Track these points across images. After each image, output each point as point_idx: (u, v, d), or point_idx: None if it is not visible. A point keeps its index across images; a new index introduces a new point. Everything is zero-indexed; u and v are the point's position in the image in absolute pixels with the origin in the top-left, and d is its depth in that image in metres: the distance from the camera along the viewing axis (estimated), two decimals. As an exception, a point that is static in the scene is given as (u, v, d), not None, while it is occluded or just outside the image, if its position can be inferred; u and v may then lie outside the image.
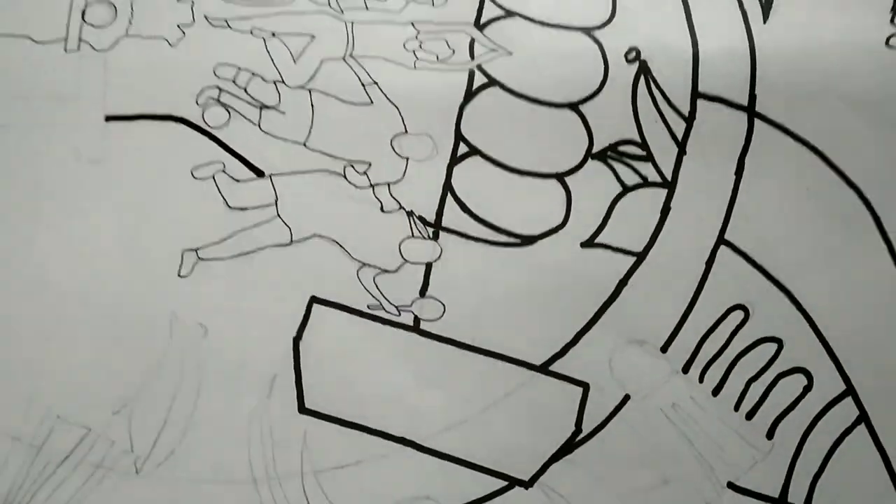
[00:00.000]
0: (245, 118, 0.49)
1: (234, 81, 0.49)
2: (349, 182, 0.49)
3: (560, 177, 0.50)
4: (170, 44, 0.49)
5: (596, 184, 0.50)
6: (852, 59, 0.50)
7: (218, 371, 0.47)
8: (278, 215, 0.49)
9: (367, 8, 0.50)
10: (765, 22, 0.51)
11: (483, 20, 0.50)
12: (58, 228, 0.48)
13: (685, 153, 0.50)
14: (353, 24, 0.50)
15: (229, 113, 0.49)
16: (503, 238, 0.50)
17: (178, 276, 0.47)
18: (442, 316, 0.50)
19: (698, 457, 0.49)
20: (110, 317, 0.46)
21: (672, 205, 0.50)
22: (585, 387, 0.50)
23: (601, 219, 0.50)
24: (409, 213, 0.50)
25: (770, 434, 0.50)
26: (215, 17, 0.50)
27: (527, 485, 0.49)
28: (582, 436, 0.50)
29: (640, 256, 0.50)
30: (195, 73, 0.49)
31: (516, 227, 0.50)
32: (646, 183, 0.50)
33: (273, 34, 0.50)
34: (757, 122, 0.50)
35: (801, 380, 0.50)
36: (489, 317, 0.50)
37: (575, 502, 0.50)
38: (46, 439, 0.46)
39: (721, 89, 0.50)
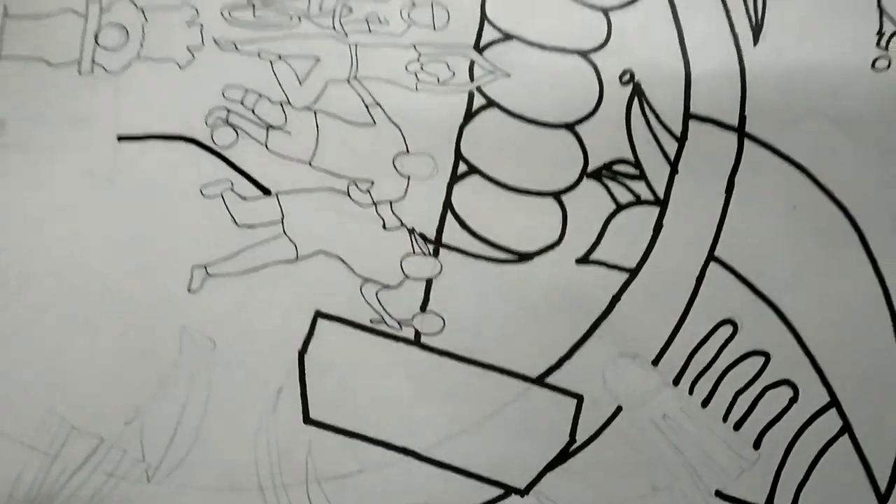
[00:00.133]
0: (252, 138, 0.50)
1: (241, 102, 0.50)
2: (353, 200, 0.50)
3: (556, 195, 0.50)
4: (180, 66, 0.50)
5: (591, 202, 0.50)
6: (839, 82, 0.50)
7: (226, 383, 0.47)
8: (284, 232, 0.49)
9: (370, 31, 0.50)
10: (755, 45, 0.51)
11: (482, 43, 0.51)
12: (71, 245, 0.49)
13: (677, 172, 0.50)
14: (356, 46, 0.50)
15: (237, 133, 0.49)
16: (501, 255, 0.50)
17: (188, 291, 0.47)
18: (442, 330, 0.49)
19: (688, 465, 0.49)
20: (122, 331, 0.47)
21: (664, 222, 0.50)
22: (579, 398, 0.49)
23: (596, 236, 0.50)
24: (411, 231, 0.49)
25: (757, 444, 0.50)
26: (224, 41, 0.50)
27: (522, 493, 0.49)
28: (576, 445, 0.49)
29: (633, 272, 0.50)
30: (204, 95, 0.50)
31: (514, 244, 0.50)
32: (639, 201, 0.50)
33: (279, 57, 0.50)
34: (746, 142, 0.50)
35: (787, 392, 0.50)
36: (487, 331, 0.50)
37: None
38: (62, 448, 0.46)
39: (712, 110, 0.50)
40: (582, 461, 0.49)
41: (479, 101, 0.50)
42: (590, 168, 0.50)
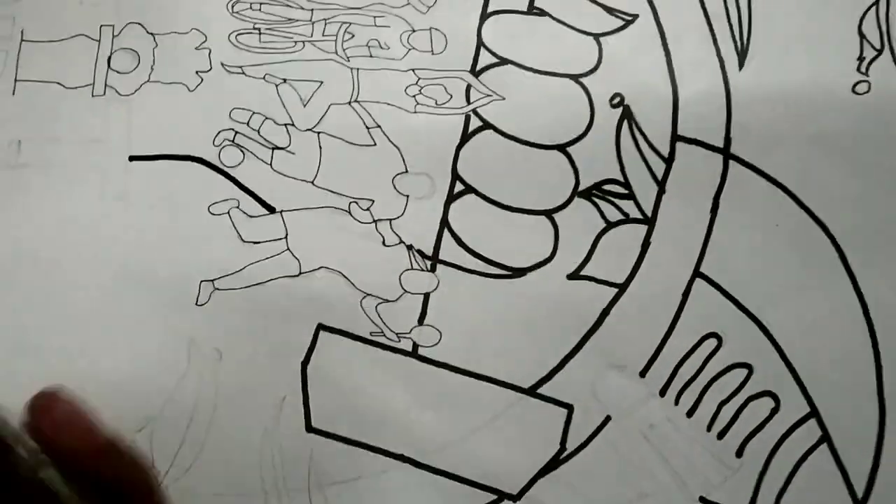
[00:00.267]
0: (258, 158, 0.50)
1: (248, 124, 0.50)
2: (354, 218, 0.50)
3: (548, 213, 0.51)
4: (189, 89, 0.51)
5: (582, 220, 0.51)
6: (821, 105, 0.51)
7: (232, 393, 0.47)
8: (288, 249, 0.50)
9: (371, 56, 0.51)
10: (740, 69, 0.52)
11: (478, 67, 0.52)
12: (85, 260, 0.49)
13: (664, 192, 0.51)
14: (358, 71, 0.51)
15: (243, 153, 0.50)
16: (495, 270, 0.51)
17: (196, 304, 0.48)
18: (438, 342, 0.50)
19: (673, 473, 0.50)
20: (133, 342, 0.47)
21: (652, 240, 0.51)
22: (570, 408, 0.50)
23: (586, 252, 0.51)
24: (409, 247, 0.50)
25: (739, 452, 0.50)
26: (231, 65, 0.51)
27: (515, 498, 0.49)
28: (566, 453, 0.50)
29: (622, 288, 0.51)
30: (212, 117, 0.51)
31: (508, 260, 0.51)
32: (628, 219, 0.51)
33: (284, 80, 0.51)
34: (731, 163, 0.51)
35: (768, 403, 0.50)
36: (482, 343, 0.50)
37: None
38: (76, 455, 0.47)
39: (698, 132, 0.51)
40: (572, 468, 0.50)
41: (475, 122, 0.51)
42: (581, 187, 0.51)
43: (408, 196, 0.51)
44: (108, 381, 0.47)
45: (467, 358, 0.50)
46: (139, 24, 0.51)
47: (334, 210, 0.50)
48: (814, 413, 0.50)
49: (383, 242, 0.50)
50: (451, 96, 0.51)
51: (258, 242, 0.50)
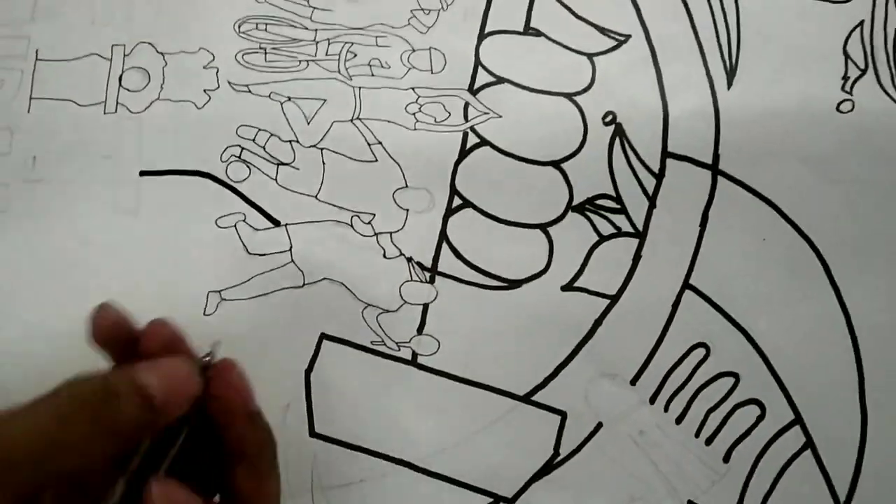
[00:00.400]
0: (264, 173, 0.51)
1: (254, 140, 0.51)
2: (355, 231, 0.51)
3: (543, 227, 0.52)
4: (197, 107, 0.51)
5: (575, 233, 0.51)
6: (807, 123, 0.52)
7: None
8: (292, 261, 0.50)
9: (372, 75, 0.52)
10: (728, 88, 0.52)
11: (476, 86, 0.52)
12: (96, 272, 0.50)
13: (655, 206, 0.52)
14: (360, 89, 0.52)
15: (250, 169, 0.51)
16: (492, 282, 0.51)
17: (204, 314, 0.49)
18: (437, 351, 0.51)
19: (663, 477, 0.50)
20: None
21: (643, 253, 0.52)
22: (563, 415, 0.51)
23: (579, 265, 0.51)
24: (409, 259, 0.51)
25: (727, 458, 0.51)
26: (238, 83, 0.52)
27: (510, 502, 0.50)
28: (560, 458, 0.51)
29: (614, 299, 0.51)
30: (220, 133, 0.51)
31: (504, 272, 0.51)
32: (620, 233, 0.52)
33: (289, 98, 0.52)
34: (720, 178, 0.52)
35: (754, 410, 0.51)
36: (479, 352, 0.51)
37: None
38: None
39: (688, 149, 0.52)
40: (565, 473, 0.51)
41: (472, 139, 0.52)
42: (574, 202, 0.52)
43: (408, 210, 0.51)
44: None
45: (465, 366, 0.51)
46: (149, 43, 0.52)
47: (337, 223, 0.51)
48: (798, 420, 0.51)
49: (384, 255, 0.51)
50: (450, 114, 0.52)
51: (264, 254, 0.51)
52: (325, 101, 0.52)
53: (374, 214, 0.51)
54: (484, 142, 0.52)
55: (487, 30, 0.53)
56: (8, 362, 0.49)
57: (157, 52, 0.52)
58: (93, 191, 0.51)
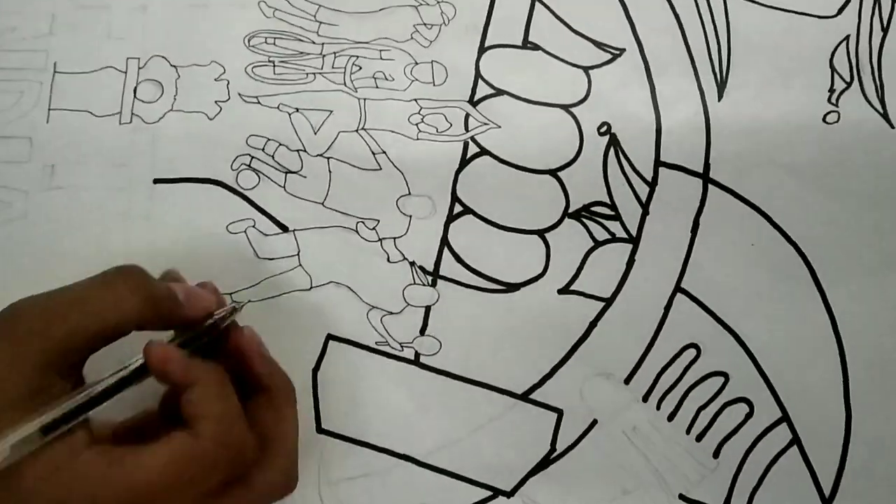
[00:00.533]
0: (272, 181, 0.52)
1: (263, 150, 0.52)
2: (360, 236, 0.52)
3: (541, 233, 0.53)
4: (209, 117, 0.52)
5: (571, 239, 0.53)
6: (794, 133, 0.54)
7: None
8: (300, 265, 0.51)
9: (377, 87, 0.53)
10: (719, 100, 0.54)
11: (476, 98, 0.54)
12: None
13: (648, 213, 0.53)
14: (365, 100, 0.53)
15: (259, 177, 0.52)
16: (492, 285, 0.52)
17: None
18: (439, 351, 0.52)
19: (655, 472, 0.52)
20: None
21: (636, 258, 0.53)
22: (559, 412, 0.52)
23: (575, 269, 0.53)
24: (412, 264, 0.52)
25: (716, 454, 0.52)
26: (248, 95, 0.53)
27: (509, 495, 0.51)
28: (556, 454, 0.52)
29: (609, 302, 0.53)
30: (230, 143, 0.52)
31: (503, 276, 0.53)
32: (614, 238, 0.53)
33: (297, 109, 0.53)
34: (710, 187, 0.53)
35: (743, 408, 0.52)
36: (478, 352, 0.52)
37: None
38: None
39: (680, 158, 0.53)
40: (561, 467, 0.52)
41: (472, 149, 0.53)
42: (571, 209, 0.53)
43: (411, 216, 0.53)
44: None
45: (465, 366, 0.52)
46: (163, 57, 0.53)
47: (343, 229, 0.52)
48: (785, 418, 0.53)
49: (388, 259, 0.52)
50: (451, 124, 0.53)
51: (272, 259, 0.52)
52: (331, 112, 0.53)
53: (379, 220, 0.52)
54: (484, 151, 0.53)
55: (487, 44, 0.55)
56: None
57: (171, 64, 0.53)
58: (109, 198, 0.52)
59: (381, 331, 0.52)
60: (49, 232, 0.51)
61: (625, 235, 0.53)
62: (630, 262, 0.53)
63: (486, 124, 0.54)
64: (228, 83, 0.53)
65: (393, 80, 0.54)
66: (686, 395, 0.53)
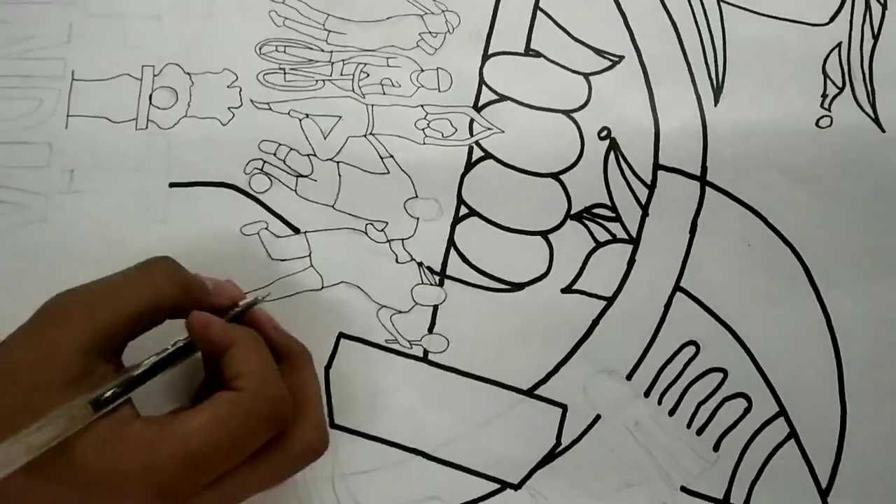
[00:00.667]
0: (284, 185, 0.53)
1: (275, 154, 0.53)
2: (370, 238, 0.53)
3: (544, 234, 0.54)
4: (222, 123, 0.54)
5: (574, 240, 0.54)
6: (788, 137, 0.54)
7: None
8: (312, 265, 0.52)
9: (384, 93, 0.54)
10: (715, 105, 0.55)
11: (480, 103, 0.55)
12: None
13: (648, 215, 0.54)
14: (373, 107, 0.54)
15: (271, 181, 0.53)
16: (497, 285, 0.53)
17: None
18: (446, 349, 0.53)
19: (657, 465, 0.53)
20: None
21: (636, 258, 0.54)
22: (564, 408, 0.53)
23: (578, 269, 0.54)
24: (420, 264, 0.53)
25: (716, 447, 0.53)
26: (259, 101, 0.54)
27: (516, 487, 0.52)
28: (561, 448, 0.53)
29: (610, 300, 0.53)
30: (243, 148, 0.53)
31: (508, 275, 0.54)
32: (615, 239, 0.54)
33: (307, 115, 0.54)
34: (708, 189, 0.54)
35: (742, 403, 0.53)
36: (485, 350, 0.53)
37: (555, 501, 0.53)
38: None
39: (678, 162, 0.54)
40: (566, 461, 0.53)
41: (477, 153, 0.54)
42: (573, 211, 0.54)
43: (418, 218, 0.54)
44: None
45: (472, 363, 0.53)
46: (177, 64, 0.54)
47: (352, 231, 0.53)
48: (782, 412, 0.54)
49: (396, 260, 0.53)
50: (456, 129, 0.54)
51: (285, 260, 0.53)
52: (340, 117, 0.54)
53: (387, 222, 0.54)
54: (488, 155, 0.54)
55: (491, 51, 0.56)
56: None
57: (185, 72, 0.54)
58: (126, 201, 0.53)
59: (390, 329, 0.53)
60: (68, 234, 0.52)
61: (625, 236, 0.54)
62: (631, 262, 0.54)
63: (490, 129, 0.54)
64: (241, 90, 0.54)
65: (400, 86, 0.55)
66: (686, 391, 0.54)
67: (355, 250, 0.54)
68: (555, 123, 0.55)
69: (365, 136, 0.54)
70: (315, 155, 0.54)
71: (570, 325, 0.54)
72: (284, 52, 0.55)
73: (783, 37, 0.56)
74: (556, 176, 0.54)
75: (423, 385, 0.53)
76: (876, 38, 0.57)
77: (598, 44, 0.56)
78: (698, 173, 0.55)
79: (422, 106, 0.55)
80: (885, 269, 0.55)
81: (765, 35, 0.56)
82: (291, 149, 0.54)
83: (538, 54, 0.56)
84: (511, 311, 0.54)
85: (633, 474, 0.53)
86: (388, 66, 0.55)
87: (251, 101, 0.54)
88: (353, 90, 0.55)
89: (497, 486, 0.53)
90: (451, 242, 0.54)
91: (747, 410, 0.54)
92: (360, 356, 0.53)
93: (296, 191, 0.54)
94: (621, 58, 0.56)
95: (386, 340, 0.53)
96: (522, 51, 0.56)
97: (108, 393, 0.40)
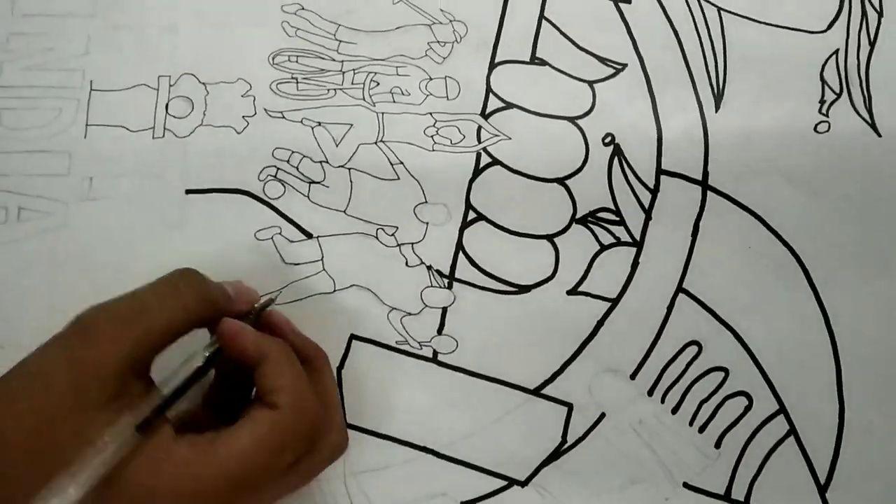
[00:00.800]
0: (297, 191, 0.54)
1: (288, 161, 0.54)
2: (380, 242, 0.54)
3: (550, 238, 0.55)
4: (237, 131, 0.54)
5: (579, 243, 0.54)
6: (787, 142, 0.55)
7: None
8: (324, 269, 0.53)
9: (394, 101, 0.55)
10: (716, 111, 0.56)
11: (487, 111, 0.55)
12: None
13: (651, 218, 0.55)
14: (383, 114, 0.55)
15: (284, 187, 0.54)
16: (504, 287, 0.54)
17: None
18: (455, 349, 0.54)
19: (660, 462, 0.54)
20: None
21: (640, 260, 0.55)
22: (570, 406, 0.54)
23: (583, 271, 0.54)
24: (429, 268, 0.54)
25: (718, 444, 0.54)
26: (273, 110, 0.55)
27: (523, 484, 0.53)
28: (567, 445, 0.54)
29: (615, 302, 0.54)
30: (257, 155, 0.54)
31: (515, 278, 0.54)
32: (619, 242, 0.55)
33: (319, 123, 0.55)
34: (709, 193, 0.55)
35: (743, 401, 0.54)
36: (493, 350, 0.54)
37: (561, 498, 0.53)
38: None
39: (680, 167, 0.55)
40: (572, 458, 0.54)
41: (485, 159, 0.55)
42: (578, 215, 0.55)
43: (427, 223, 0.54)
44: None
45: (480, 363, 0.54)
46: (192, 74, 0.55)
47: (364, 235, 0.54)
48: (782, 410, 0.55)
49: (406, 263, 0.54)
50: (464, 136, 0.55)
51: (298, 264, 0.54)
52: (351, 125, 0.55)
53: (397, 227, 0.54)
54: (495, 161, 0.55)
55: (497, 60, 0.57)
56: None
57: (200, 82, 0.55)
58: (143, 208, 0.54)
59: (401, 331, 0.54)
60: (88, 240, 0.53)
61: (629, 239, 0.55)
62: (634, 265, 0.55)
63: (497, 136, 0.55)
64: (255, 99, 0.55)
65: (409, 94, 0.55)
66: (689, 390, 0.55)
67: (366, 254, 0.54)
68: (560, 130, 0.55)
69: (375, 143, 0.55)
70: (327, 162, 0.55)
71: (575, 325, 0.55)
72: (297, 62, 0.56)
73: (782, 44, 0.57)
74: (561, 181, 0.55)
75: (432, 385, 0.54)
76: (872, 44, 0.57)
77: (602, 52, 0.57)
78: (700, 178, 0.55)
79: (430, 114, 0.55)
80: (881, 269, 0.55)
81: (764, 43, 0.57)
82: (304, 156, 0.55)
83: (544, 63, 0.56)
84: (518, 312, 0.54)
85: (637, 471, 0.54)
86: (397, 74, 0.56)
87: (265, 109, 0.55)
88: (363, 99, 0.55)
89: (504, 482, 0.54)
90: (459, 246, 0.55)
91: (748, 408, 0.55)
92: (371, 357, 0.54)
93: (308, 197, 0.54)
94: (624, 66, 0.57)
95: (396, 342, 0.54)
96: (528, 59, 0.57)
97: (150, 411, 0.40)
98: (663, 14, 0.57)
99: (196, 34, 0.56)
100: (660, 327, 0.55)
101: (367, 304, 0.54)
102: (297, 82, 0.56)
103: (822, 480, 0.55)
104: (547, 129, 0.56)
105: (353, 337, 0.54)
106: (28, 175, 0.54)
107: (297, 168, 0.55)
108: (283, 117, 0.55)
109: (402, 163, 0.55)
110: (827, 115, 0.56)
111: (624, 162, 0.55)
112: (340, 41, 0.56)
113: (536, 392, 0.55)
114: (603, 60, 0.57)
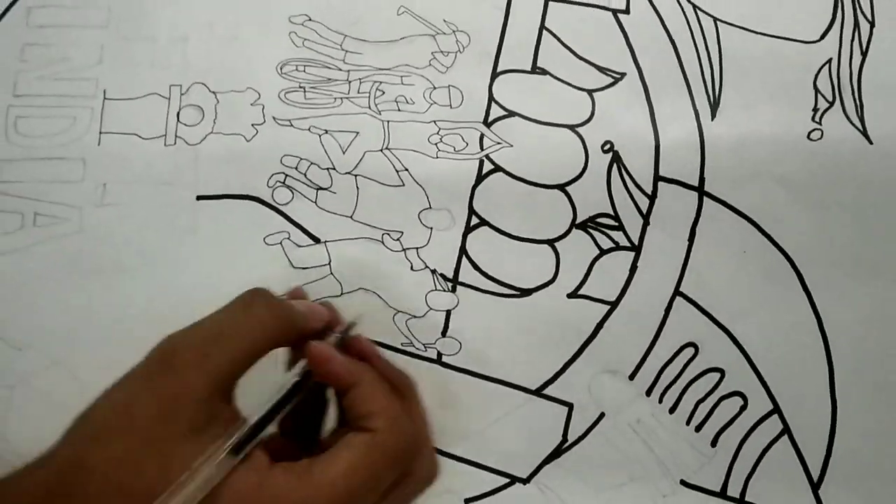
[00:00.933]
0: (305, 197, 0.55)
1: (296, 168, 0.55)
2: (386, 247, 0.55)
3: (550, 242, 0.55)
4: (246, 139, 0.56)
5: (579, 248, 0.55)
6: (781, 149, 0.55)
7: None
8: (331, 273, 0.55)
9: (399, 110, 0.56)
10: (712, 119, 0.56)
11: (490, 119, 0.56)
12: (159, 285, 0.54)
13: (649, 224, 0.55)
14: (388, 123, 0.56)
15: (293, 193, 0.55)
16: (507, 291, 0.55)
17: None
18: (459, 351, 0.55)
19: (658, 460, 0.55)
20: None
21: (638, 264, 0.55)
22: (570, 406, 0.55)
23: (583, 275, 0.55)
24: (433, 271, 0.55)
25: (714, 442, 0.55)
26: (281, 118, 0.56)
27: (525, 482, 0.55)
28: (567, 444, 0.55)
29: (614, 305, 0.55)
30: (266, 163, 0.55)
31: (517, 282, 0.55)
32: (618, 247, 0.55)
33: (326, 131, 0.56)
34: (706, 199, 0.55)
35: (738, 401, 0.55)
36: (496, 352, 0.55)
37: (562, 495, 0.55)
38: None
39: (677, 173, 0.55)
40: (572, 456, 0.55)
41: (487, 166, 0.56)
42: (578, 220, 0.55)
43: (431, 228, 0.55)
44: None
45: (483, 364, 0.55)
46: (203, 83, 0.56)
47: (370, 240, 0.55)
48: (776, 410, 0.55)
49: (411, 267, 0.55)
50: (467, 144, 0.56)
51: (306, 268, 0.55)
52: (357, 133, 0.56)
53: (402, 232, 0.55)
54: (497, 168, 0.56)
55: (499, 69, 0.57)
56: (83, 373, 0.53)
57: (210, 91, 0.56)
58: (156, 213, 0.55)
59: (406, 333, 0.55)
60: (102, 245, 0.55)
61: (627, 244, 0.56)
62: (633, 269, 0.56)
63: (499, 143, 0.56)
64: (263, 107, 0.56)
65: (413, 103, 0.56)
66: (686, 390, 0.56)
67: (373, 259, 0.55)
68: (560, 138, 0.56)
69: (381, 150, 0.56)
70: (334, 169, 0.56)
71: (575, 328, 0.55)
72: (304, 71, 0.56)
73: (776, 54, 0.57)
74: (561, 187, 0.56)
75: (437, 386, 0.55)
76: (864, 54, 0.58)
77: (601, 62, 0.57)
78: (696, 184, 0.56)
79: (434, 122, 0.56)
80: (873, 273, 0.56)
81: (759, 52, 0.57)
82: (312, 163, 0.56)
83: (544, 72, 0.57)
84: (520, 315, 0.55)
85: (636, 469, 0.55)
86: (402, 84, 0.56)
87: (273, 118, 0.56)
88: (369, 107, 0.56)
89: (507, 480, 0.55)
90: (462, 251, 0.55)
91: (743, 408, 0.56)
92: (377, 358, 0.51)
93: (316, 203, 0.56)
94: (623, 75, 0.57)
95: (402, 344, 0.55)
96: (529, 69, 0.57)
97: (244, 436, 0.40)
98: (661, 24, 0.58)
99: (206, 45, 0.57)
100: (657, 329, 0.56)
101: (373, 307, 0.55)
102: (305, 91, 0.56)
103: (815, 478, 0.56)
104: (548, 136, 0.56)
105: (359, 339, 0.51)
106: (43, 182, 0.55)
107: (305, 175, 0.55)
108: (291, 125, 0.56)
109: (407, 169, 0.56)
110: (820, 123, 0.56)
111: (623, 169, 0.56)
112: (347, 51, 0.57)
113: (538, 392, 0.56)
114: (602, 70, 0.57)
